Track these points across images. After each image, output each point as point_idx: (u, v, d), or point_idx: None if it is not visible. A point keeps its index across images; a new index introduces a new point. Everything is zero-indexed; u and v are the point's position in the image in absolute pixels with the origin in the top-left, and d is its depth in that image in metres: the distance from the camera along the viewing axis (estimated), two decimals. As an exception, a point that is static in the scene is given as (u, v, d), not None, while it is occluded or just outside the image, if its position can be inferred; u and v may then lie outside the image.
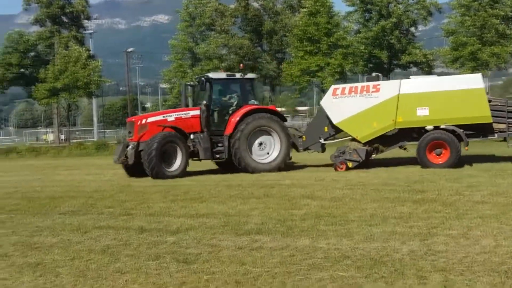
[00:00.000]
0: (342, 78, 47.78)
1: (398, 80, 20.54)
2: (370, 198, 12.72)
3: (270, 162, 20.39)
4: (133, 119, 20.75)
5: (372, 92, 19.89)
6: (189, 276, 7.03)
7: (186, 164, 19.68)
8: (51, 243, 9.29)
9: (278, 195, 13.79)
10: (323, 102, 21.19)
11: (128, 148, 19.67)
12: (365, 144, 19.88)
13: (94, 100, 70.00)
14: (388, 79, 56.58)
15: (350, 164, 19.58)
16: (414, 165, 19.38)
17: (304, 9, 46.18)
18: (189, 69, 50.37)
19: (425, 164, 19.01)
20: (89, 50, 57.74)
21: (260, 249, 8.28)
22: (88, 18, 61.15)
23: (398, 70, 55.20)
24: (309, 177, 17.65)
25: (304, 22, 45.29)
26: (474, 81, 19.88)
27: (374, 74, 25.91)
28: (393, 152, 21.53)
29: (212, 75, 21.08)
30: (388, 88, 19.94)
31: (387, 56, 49.60)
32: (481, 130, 19.72)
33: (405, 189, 13.85)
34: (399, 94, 19.59)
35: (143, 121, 19.97)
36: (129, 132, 20.27)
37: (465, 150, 19.37)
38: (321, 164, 21.80)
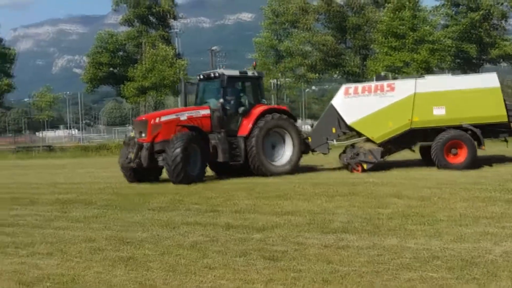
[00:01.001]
0: (429, 73, 46.74)
1: (414, 79, 20.08)
2: (459, 197, 12.40)
3: (284, 165, 19.33)
4: (144, 118, 19.01)
5: (387, 91, 19.40)
6: (276, 273, 7.07)
7: (205, 166, 18.46)
8: (141, 238, 9.56)
9: (364, 193, 13.65)
10: (334, 102, 20.23)
11: (141, 150, 17.83)
12: (379, 144, 19.32)
13: (180, 98, 71.44)
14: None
15: (365, 166, 18.98)
16: (501, 164, 18.72)
17: (389, 4, 45.43)
18: (273, 66, 50.62)
19: (443, 165, 18.54)
20: (175, 49, 58.93)
21: (347, 247, 8.22)
22: (175, 18, 62.41)
23: (488, 65, 53.52)
24: (395, 175, 17.38)
25: (389, 17, 44.57)
26: (490, 80, 19.55)
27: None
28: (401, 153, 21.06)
29: (225, 72, 19.51)
30: (404, 87, 19.46)
31: (476, 50, 48.08)
32: (497, 130, 19.44)
33: (496, 188, 13.42)
34: (415, 93, 19.17)
35: (157, 120, 18.14)
36: (140, 132, 18.17)
37: (482, 150, 19.07)
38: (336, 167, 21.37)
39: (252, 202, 13.03)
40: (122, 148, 19.31)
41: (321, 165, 21.75)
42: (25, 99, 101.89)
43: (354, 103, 19.60)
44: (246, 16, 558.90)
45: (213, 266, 7.51)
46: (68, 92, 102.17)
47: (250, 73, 20.33)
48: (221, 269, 7.35)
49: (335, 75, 55.76)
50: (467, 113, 18.94)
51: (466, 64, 51.21)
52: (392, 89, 19.39)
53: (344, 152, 20.47)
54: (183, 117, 18.38)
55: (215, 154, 18.37)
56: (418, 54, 43.39)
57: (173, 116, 18.35)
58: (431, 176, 16.82)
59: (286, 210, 11.74)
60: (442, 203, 11.74)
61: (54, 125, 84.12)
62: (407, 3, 44.08)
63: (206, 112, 18.86)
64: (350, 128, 20.16)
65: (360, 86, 19.94)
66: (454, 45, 46.90)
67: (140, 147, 17.83)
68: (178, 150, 17.01)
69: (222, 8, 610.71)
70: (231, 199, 13.72)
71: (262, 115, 19.08)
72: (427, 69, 44.17)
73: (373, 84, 19.85)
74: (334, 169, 20.43)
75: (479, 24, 48.16)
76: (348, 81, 56.15)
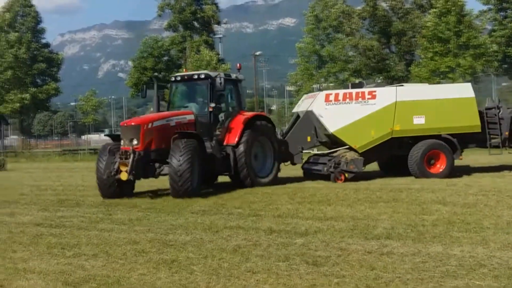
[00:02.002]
0: (474, 79, 46.07)
1: (394, 87, 19.70)
2: (506, 204, 12.17)
3: (267, 175, 18.22)
4: (134, 123, 16.03)
5: (368, 99, 18.81)
6: (318, 279, 7.04)
7: (203, 177, 16.38)
8: (184, 241, 9.63)
9: (407, 199, 13.50)
10: (315, 109, 19.16)
11: (129, 159, 15.27)
12: (360, 154, 18.68)
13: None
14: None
15: (347, 175, 18.29)
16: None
17: (434, 9, 44.91)
18: (315, 71, 50.53)
19: (423, 175, 18.30)
20: (218, 54, 59.34)
21: (391, 254, 8.14)
22: (218, 23, 62.96)
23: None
24: (439, 182, 17.14)
25: (434, 22, 44.04)
26: (464, 90, 19.38)
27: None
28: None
29: (211, 73, 17.72)
30: (385, 95, 18.94)
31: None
32: (474, 139, 19.40)
33: (545, 196, 13.12)
34: (396, 101, 18.74)
35: (150, 126, 15.82)
36: (131, 139, 15.54)
37: (459, 160, 19.06)
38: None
39: (293, 207, 13.01)
40: (104, 157, 15.95)
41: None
42: (71, 103, 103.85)
43: (336, 110, 18.83)
44: (288, 21, 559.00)
45: (255, 270, 7.52)
46: (112, 96, 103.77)
47: (233, 76, 18.72)
48: (264, 274, 7.36)
49: (379, 81, 55.37)
50: (445, 122, 18.75)
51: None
52: (374, 97, 18.82)
53: (307, 162, 20.16)
54: (172, 123, 16.41)
55: (213, 164, 16.78)
56: (463, 59, 42.76)
57: (163, 122, 16.25)
58: (474, 183, 16.55)
59: (328, 215, 11.69)
60: (488, 210, 11.54)
61: (98, 129, 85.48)
62: (453, 7, 43.49)
63: (191, 117, 16.94)
64: (328, 137, 19.37)
65: (341, 92, 19.17)
66: (500, 50, 46.07)
67: (134, 156, 15.26)
68: (187, 161, 14.98)
69: (265, 13, 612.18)
70: (273, 203, 13.72)
71: (249, 122, 17.70)
72: (472, 75, 43.56)
73: (354, 91, 19.16)
74: (373, 174, 20.24)
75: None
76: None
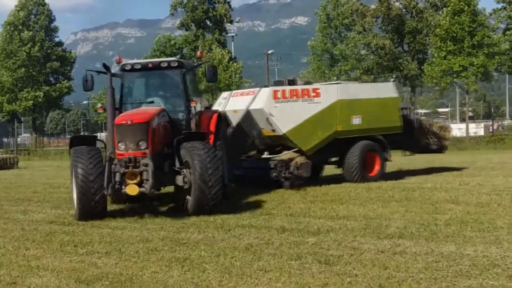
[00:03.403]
0: (487, 78, 45.86)
1: (335, 84, 18.69)
2: (519, 204, 12.10)
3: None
4: (138, 121, 12.28)
5: (313, 96, 17.28)
6: (331, 278, 7.03)
7: None
8: (197, 239, 9.64)
9: (420, 198, 13.44)
10: (265, 106, 16.77)
11: (141, 168, 11.92)
12: (308, 157, 17.03)
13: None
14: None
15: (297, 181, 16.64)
16: None
17: (448, 8, 44.69)
18: (327, 69, 50.48)
19: (363, 178, 17.49)
20: (230, 53, 59.36)
21: (403, 253, 8.11)
22: (231, 22, 63.01)
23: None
24: (452, 181, 17.06)
25: (448, 21, 43.84)
26: (387, 89, 18.97)
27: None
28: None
29: (183, 61, 14.88)
30: (328, 93, 17.56)
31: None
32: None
33: (559, 196, 13.02)
34: (338, 99, 17.50)
35: (155, 123, 12.65)
36: (138, 142, 12.09)
37: (390, 161, 18.61)
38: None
39: (306, 206, 12.99)
40: (85, 162, 12.14)
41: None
42: (84, 102, 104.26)
43: (286, 109, 16.85)
44: (301, 20, 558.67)
45: (268, 269, 7.51)
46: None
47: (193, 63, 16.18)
48: (276, 272, 7.35)
49: (392, 79, 55.24)
50: (376, 123, 18.04)
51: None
52: (318, 94, 17.35)
53: (240, 167, 17.48)
54: (164, 119, 13.38)
55: None
56: (476, 58, 42.53)
57: (160, 119, 13.13)
58: (487, 182, 16.46)
59: (340, 214, 11.66)
60: (502, 210, 11.46)
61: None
62: (466, 6, 43.26)
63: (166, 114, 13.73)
64: (274, 138, 17.30)
65: (287, 89, 17.18)
66: (507, 48, 45.80)
67: (150, 163, 11.95)
68: (217, 169, 12.21)
69: (278, 12, 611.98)
70: (285, 202, 13.71)
71: (217, 120, 14.87)
72: (485, 74, 43.33)
73: (299, 88, 17.50)
74: (385, 173, 20.17)
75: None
76: (405, 85, 55.58)
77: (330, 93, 17.61)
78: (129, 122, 12.21)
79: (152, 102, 14.08)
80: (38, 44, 61.46)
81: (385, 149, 18.29)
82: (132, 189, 11.71)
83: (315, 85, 18.31)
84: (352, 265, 7.56)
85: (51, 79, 64.91)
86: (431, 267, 7.30)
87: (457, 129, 51.15)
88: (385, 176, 18.95)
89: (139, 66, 14.22)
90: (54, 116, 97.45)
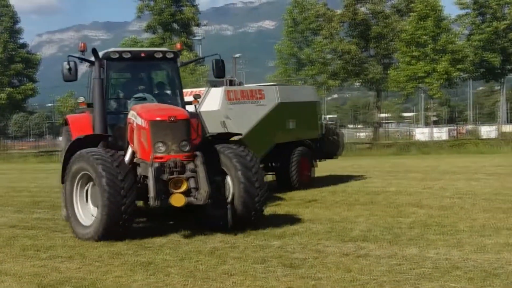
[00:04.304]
0: (450, 84, 46.50)
1: (274, 86, 17.97)
2: (481, 208, 12.31)
3: None
4: (183, 117, 10.46)
5: (259, 98, 16.48)
6: (295, 281, 7.05)
7: None
8: (161, 243, 9.59)
9: (384, 202, 13.58)
10: (221, 108, 15.56)
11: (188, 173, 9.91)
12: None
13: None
14: (501, 84, 55.01)
15: None
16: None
17: (413, 13, 45.24)
18: (294, 73, 50.72)
19: (301, 184, 16.91)
20: (197, 56, 59.19)
21: (367, 256, 8.18)
22: (198, 25, 62.76)
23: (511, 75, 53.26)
24: (416, 185, 17.26)
25: (413, 26, 44.37)
26: (311, 93, 19.00)
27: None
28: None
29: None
30: (271, 95, 16.86)
31: (499, 60, 47.82)
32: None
33: (519, 199, 13.27)
34: (279, 102, 16.89)
35: (193, 122, 11.13)
36: (181, 141, 10.14)
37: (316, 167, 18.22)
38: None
39: (271, 209, 13.00)
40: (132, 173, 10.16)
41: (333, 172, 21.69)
42: (48, 104, 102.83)
43: (239, 111, 15.84)
44: (268, 24, 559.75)
45: (232, 273, 7.51)
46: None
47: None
48: (241, 276, 7.35)
49: (357, 84, 55.68)
50: (304, 127, 17.68)
51: (489, 74, 50.88)
52: (262, 96, 16.59)
53: None
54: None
55: None
56: (439, 64, 43.13)
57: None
58: (450, 186, 16.71)
59: (305, 218, 11.71)
60: (464, 213, 11.65)
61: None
62: (431, 12, 43.82)
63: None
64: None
65: (239, 90, 16.28)
66: (474, 54, 46.58)
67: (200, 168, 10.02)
68: (263, 177, 10.81)
69: (245, 16, 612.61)
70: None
71: None
72: (448, 79, 43.94)
73: (248, 88, 16.92)
74: (351, 177, 20.32)
75: (504, 34, 47.83)
76: (370, 89, 56.06)
77: (272, 95, 16.92)
78: (172, 119, 10.25)
79: (145, 99, 11.85)
80: (2, 46, 60.51)
81: (313, 154, 18.01)
82: (178, 200, 9.74)
83: (261, 86, 17.80)
84: (316, 268, 7.60)
85: (15, 81, 63.90)
86: (394, 270, 7.38)
87: (420, 134, 51.86)
88: (349, 179, 19.13)
89: (128, 55, 11.93)
90: (18, 119, 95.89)
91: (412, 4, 46.04)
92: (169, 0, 57.73)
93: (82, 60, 12.12)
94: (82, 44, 12.30)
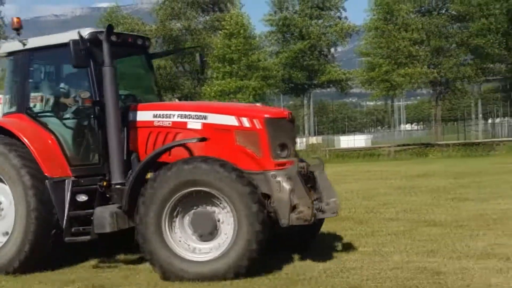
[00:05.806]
0: (262, 99, 48.24)
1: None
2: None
3: None
4: (291, 116, 8.29)
5: None
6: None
7: None
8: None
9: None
10: None
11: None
12: None
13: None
14: (308, 98, 58.06)
15: None
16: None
17: (224, 30, 46.34)
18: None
19: None
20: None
21: None
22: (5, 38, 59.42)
23: (317, 90, 56.60)
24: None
25: (223, 43, 45.27)
26: None
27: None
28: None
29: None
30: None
31: (304, 76, 50.77)
32: None
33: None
34: None
35: None
36: (282, 146, 7.94)
37: None
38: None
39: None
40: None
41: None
42: None
43: None
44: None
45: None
46: None
47: None
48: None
49: (176, 99, 55.96)
50: None
51: (295, 90, 53.84)
52: None
53: None
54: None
55: None
56: (251, 80, 44.44)
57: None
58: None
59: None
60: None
61: None
62: (241, 29, 44.98)
63: None
64: None
65: None
66: (280, 72, 48.78)
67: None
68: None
69: (54, 29, 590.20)
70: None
71: None
72: (260, 95, 45.54)
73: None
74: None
75: (311, 53, 50.80)
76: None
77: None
78: (290, 116, 8.20)
79: (134, 96, 9.74)
80: None
81: None
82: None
83: None
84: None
85: None
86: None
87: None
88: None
89: (115, 39, 8.71)
90: None
91: (223, 22, 47.15)
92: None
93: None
94: (17, 19, 9.32)
